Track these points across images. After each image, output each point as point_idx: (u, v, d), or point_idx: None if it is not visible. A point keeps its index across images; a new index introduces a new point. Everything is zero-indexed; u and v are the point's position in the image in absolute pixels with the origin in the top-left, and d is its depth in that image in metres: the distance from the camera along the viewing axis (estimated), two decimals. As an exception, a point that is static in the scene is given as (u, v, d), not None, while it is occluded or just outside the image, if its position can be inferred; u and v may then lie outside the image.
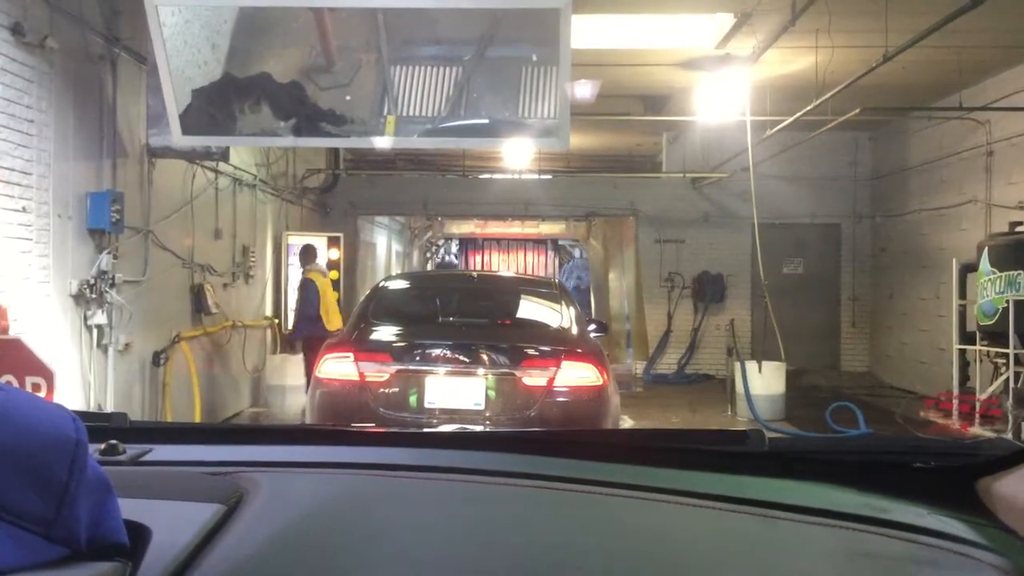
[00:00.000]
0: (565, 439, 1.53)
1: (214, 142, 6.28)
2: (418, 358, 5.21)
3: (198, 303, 8.35)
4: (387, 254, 17.72)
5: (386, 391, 5.07)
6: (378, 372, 5.08)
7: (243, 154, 9.82)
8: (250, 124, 5.98)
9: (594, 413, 5.13)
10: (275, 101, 5.87)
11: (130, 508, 0.80)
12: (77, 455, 0.70)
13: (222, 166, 8.99)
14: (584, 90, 10.22)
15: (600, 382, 5.14)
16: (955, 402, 9.09)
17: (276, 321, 10.95)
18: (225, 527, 0.93)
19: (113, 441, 1.23)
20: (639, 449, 1.37)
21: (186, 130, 5.87)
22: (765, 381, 9.58)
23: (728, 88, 9.58)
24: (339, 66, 5.98)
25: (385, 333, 5.59)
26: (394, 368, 5.12)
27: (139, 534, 0.82)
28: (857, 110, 9.02)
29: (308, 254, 9.77)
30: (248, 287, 10.00)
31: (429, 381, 5.11)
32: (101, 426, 1.35)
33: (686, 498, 1.10)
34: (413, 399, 5.05)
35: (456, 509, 1.08)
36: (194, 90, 5.73)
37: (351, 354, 5.15)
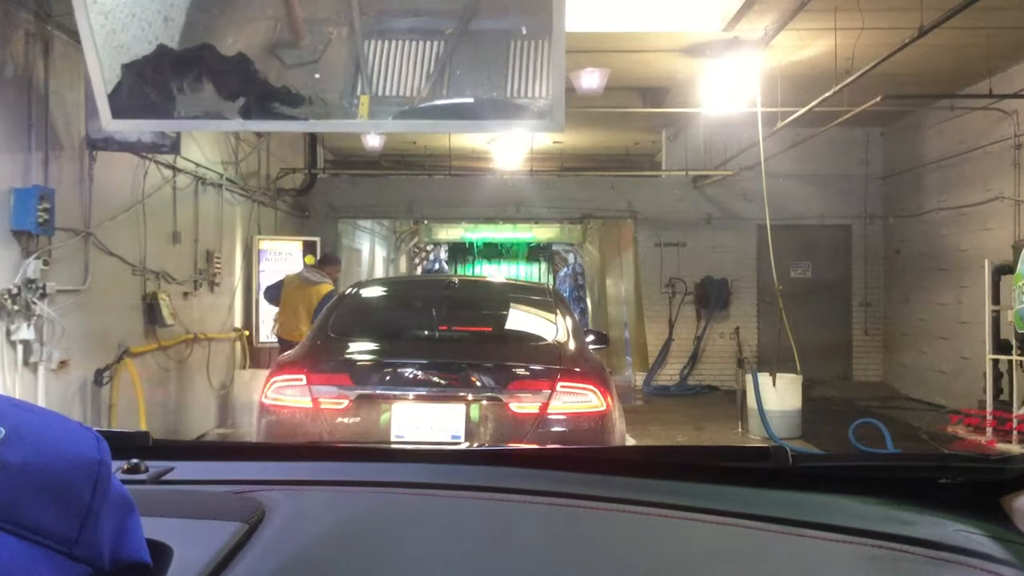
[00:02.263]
0: (584, 455, 1.53)
1: (149, 126, 5.42)
2: (385, 381, 4.35)
3: (151, 314, 7.49)
4: (371, 260, 16.85)
5: (345, 421, 4.20)
6: (336, 398, 4.22)
7: (207, 150, 8.99)
8: (190, 105, 5.14)
9: (596, 444, 4.28)
10: (219, 77, 5.03)
11: (152, 527, 0.81)
12: (100, 474, 0.70)
13: (182, 163, 8.15)
14: (592, 79, 9.46)
15: (603, 407, 4.29)
16: (990, 417, 8.28)
17: (246, 333, 10.08)
18: (246, 545, 0.93)
19: (135, 460, 1.24)
20: (659, 465, 1.35)
21: (117, 113, 5.05)
22: (780, 395, 8.74)
23: (736, 76, 8.79)
24: (307, 41, 5.24)
25: (346, 350, 4.74)
26: (355, 393, 4.26)
27: (161, 553, 0.83)
28: (878, 98, 8.21)
29: (321, 259, 9.29)
30: (213, 296, 9.14)
31: (397, 409, 4.25)
32: (123, 444, 1.30)
33: (708, 515, 1.09)
34: (378, 431, 4.20)
35: (478, 526, 1.07)
36: (124, 65, 4.92)
37: (303, 376, 4.30)
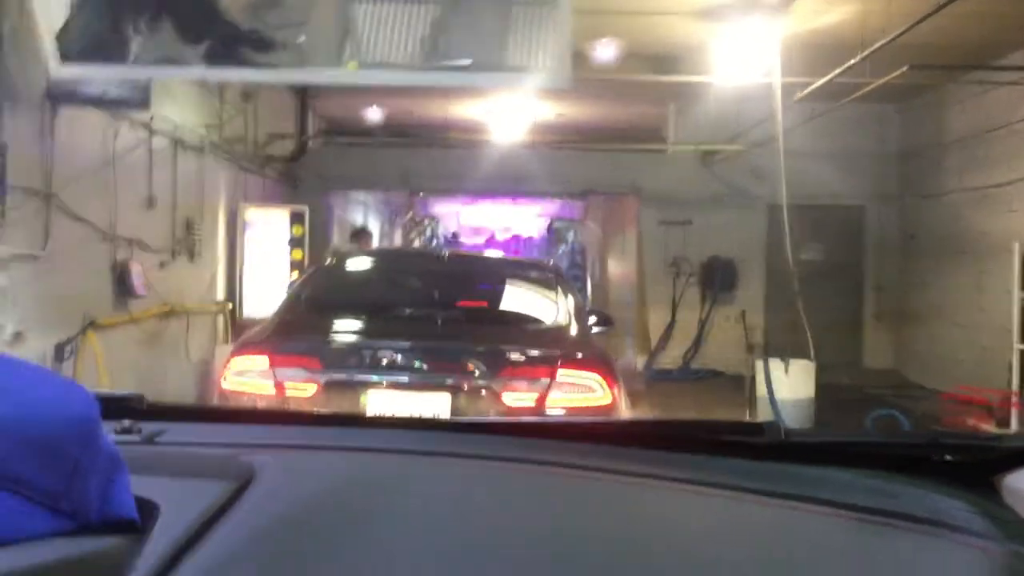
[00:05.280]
0: (579, 427, 1.57)
1: (100, 72, 4.87)
2: (359, 365, 3.84)
3: (122, 284, 6.98)
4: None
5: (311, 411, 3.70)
6: (303, 384, 3.72)
7: (188, 111, 8.44)
8: (147, 48, 4.64)
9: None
10: (179, 16, 4.53)
11: (141, 485, 0.83)
12: (90, 431, 0.72)
13: (159, 123, 7.61)
14: (607, 52, 8.87)
15: (608, 400, 3.79)
16: (1015, 399, 7.81)
17: (230, 306, 9.58)
18: (235, 505, 0.93)
19: (128, 421, 1.24)
20: (652, 437, 1.35)
21: (66, 56, 4.56)
22: (792, 383, 8.25)
23: (751, 44, 8.24)
24: (291, 1, 4.82)
25: (316, 330, 4.21)
26: (325, 378, 3.75)
27: (148, 510, 0.84)
28: (904, 68, 7.67)
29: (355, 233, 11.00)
30: (193, 266, 8.62)
31: (372, 397, 3.74)
32: (117, 406, 1.31)
33: (698, 486, 1.10)
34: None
35: (467, 493, 1.08)
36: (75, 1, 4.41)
37: (266, 357, 3.78)
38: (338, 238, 13.47)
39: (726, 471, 1.16)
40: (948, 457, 1.20)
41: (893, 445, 1.37)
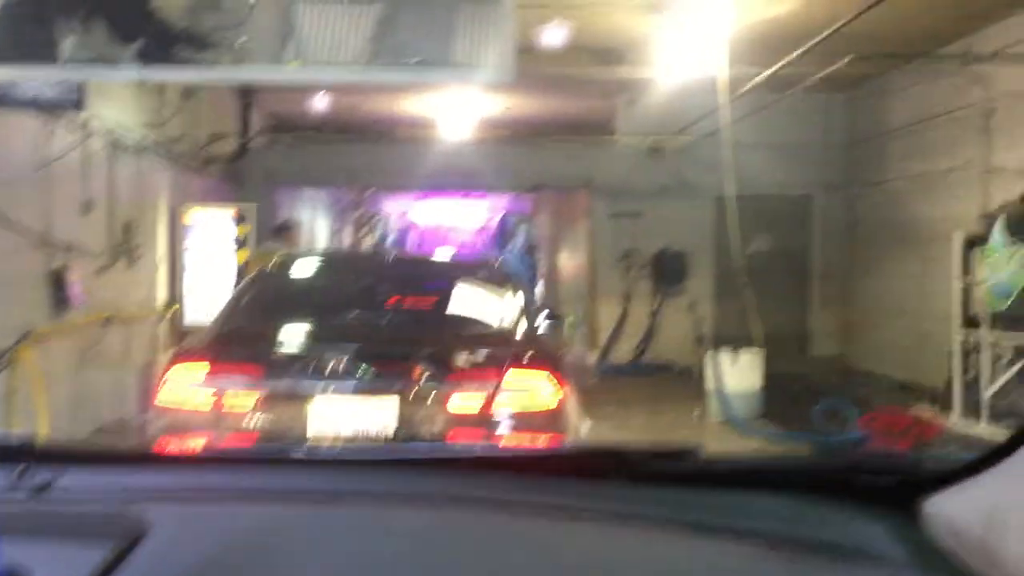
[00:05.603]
0: (498, 457, 1.54)
1: (32, 73, 4.68)
2: (302, 373, 3.73)
3: (58, 293, 6.75)
4: (312, 232, 16.03)
5: (253, 421, 3.58)
6: (242, 394, 3.60)
7: (126, 111, 8.21)
8: (80, 48, 4.49)
9: (549, 439, 3.72)
10: (112, 16, 4.38)
11: (18, 551, 0.77)
12: None
13: (94, 124, 7.37)
14: (554, 39, 8.81)
15: (557, 400, 3.73)
16: (956, 399, 7.92)
17: (175, 308, 9.35)
18: (119, 569, 0.87)
19: (18, 468, 1.15)
20: (573, 466, 1.34)
21: (-1, 56, 4.41)
22: (740, 374, 8.30)
23: (700, 35, 8.24)
24: (230, 2, 4.72)
25: (257, 337, 4.09)
26: (266, 387, 3.63)
27: None
28: (849, 57, 7.73)
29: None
30: (133, 272, 8.39)
31: (316, 407, 3.64)
32: (8, 450, 1.24)
33: (618, 518, 1.09)
34: (291, 433, 3.58)
35: (381, 540, 1.03)
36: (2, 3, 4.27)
37: (205, 366, 3.66)
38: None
39: (644, 500, 1.15)
40: (871, 481, 1.19)
41: (815, 468, 1.37)
